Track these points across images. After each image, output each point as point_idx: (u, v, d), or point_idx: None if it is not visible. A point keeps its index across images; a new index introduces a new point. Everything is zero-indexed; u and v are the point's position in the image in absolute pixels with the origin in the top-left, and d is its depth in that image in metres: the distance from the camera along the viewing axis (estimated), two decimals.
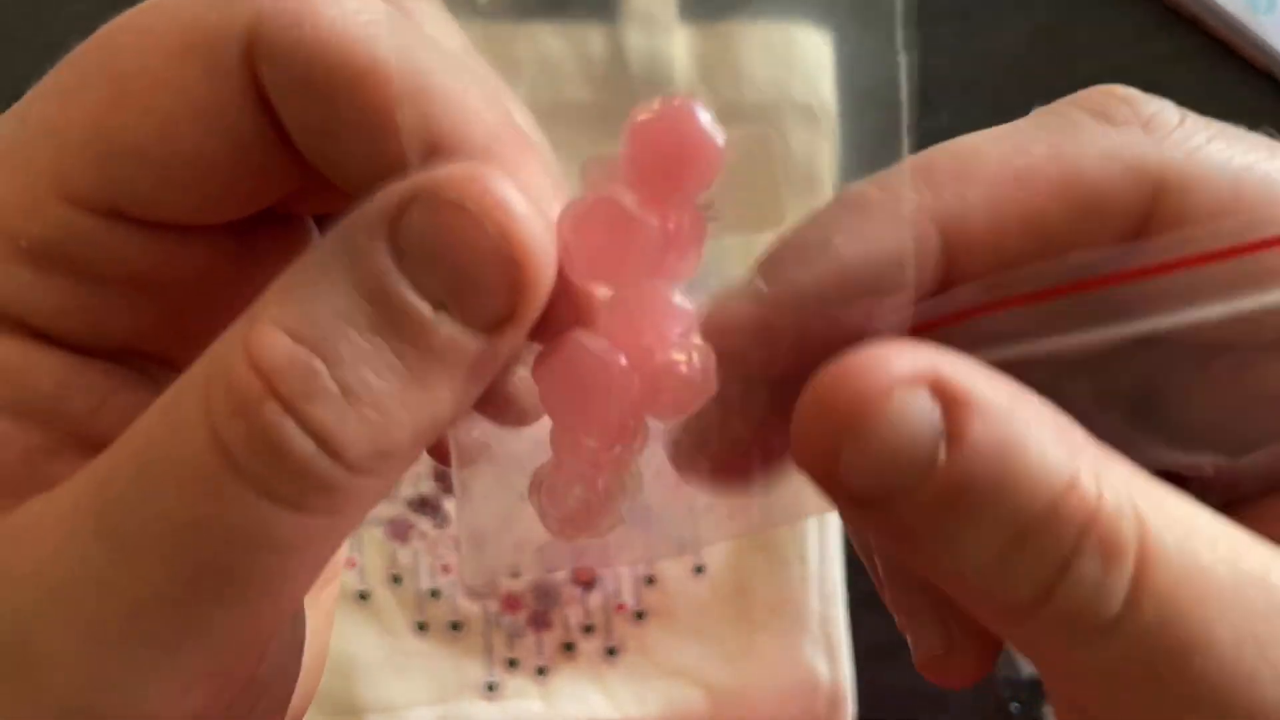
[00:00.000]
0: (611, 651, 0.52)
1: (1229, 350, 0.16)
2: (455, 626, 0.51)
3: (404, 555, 0.51)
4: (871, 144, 0.15)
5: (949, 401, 0.14)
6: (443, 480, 0.51)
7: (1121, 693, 0.14)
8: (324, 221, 0.19)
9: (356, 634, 0.51)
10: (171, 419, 0.14)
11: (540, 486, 0.17)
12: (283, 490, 0.14)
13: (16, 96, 0.17)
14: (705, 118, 0.15)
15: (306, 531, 0.14)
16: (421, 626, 0.51)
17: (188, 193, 0.16)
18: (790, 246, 0.16)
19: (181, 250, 0.17)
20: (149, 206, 0.16)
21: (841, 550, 0.52)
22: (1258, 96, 0.55)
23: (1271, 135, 0.18)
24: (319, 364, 0.14)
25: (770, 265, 0.16)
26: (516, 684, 0.51)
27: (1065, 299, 0.15)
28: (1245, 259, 0.14)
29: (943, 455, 0.13)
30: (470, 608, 0.51)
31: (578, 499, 0.16)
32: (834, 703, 0.51)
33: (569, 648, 0.52)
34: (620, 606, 0.52)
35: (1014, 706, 0.52)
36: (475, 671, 0.51)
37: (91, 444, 0.16)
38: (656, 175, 0.15)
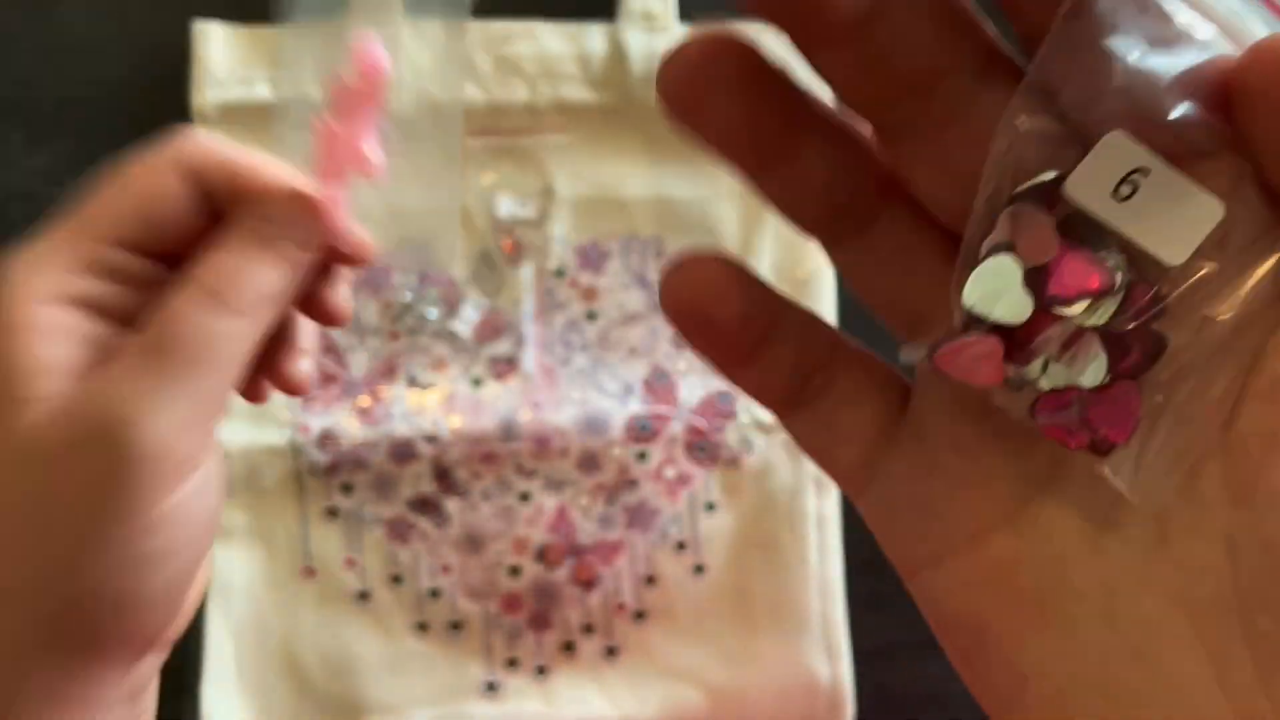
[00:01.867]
0: (611, 652, 0.52)
1: None
2: (455, 627, 0.51)
3: (404, 556, 0.51)
4: None
5: None
6: (443, 480, 0.51)
7: None
8: None
9: (356, 634, 0.51)
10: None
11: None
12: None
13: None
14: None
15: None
16: (421, 627, 0.51)
17: (159, 236, 0.29)
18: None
19: (157, 267, 0.30)
20: (141, 245, 0.29)
21: (841, 550, 0.52)
22: None
23: None
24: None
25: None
26: (516, 684, 0.51)
27: None
28: None
29: None
30: (470, 608, 0.51)
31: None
32: (834, 703, 0.51)
33: (569, 648, 0.52)
34: (620, 607, 0.52)
35: None
36: (475, 672, 0.51)
37: None
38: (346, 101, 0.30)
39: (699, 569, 0.52)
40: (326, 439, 0.51)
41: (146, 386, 0.26)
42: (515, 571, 0.51)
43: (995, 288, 0.18)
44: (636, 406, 0.52)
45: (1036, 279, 0.18)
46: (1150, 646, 0.17)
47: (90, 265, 0.28)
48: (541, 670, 0.51)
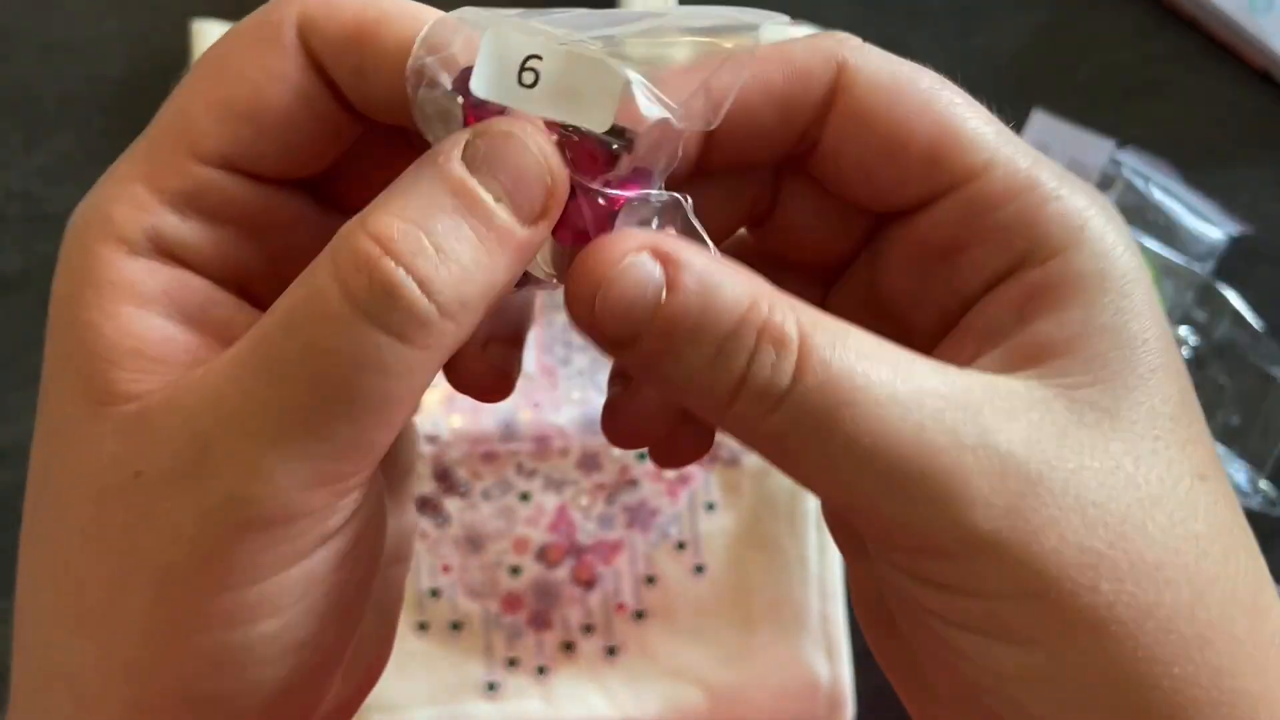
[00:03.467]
0: (611, 651, 0.52)
1: None
2: (455, 626, 0.51)
3: None
4: None
5: (665, 262, 0.20)
6: (443, 480, 0.51)
7: (799, 449, 0.20)
8: None
9: None
10: (308, 285, 0.20)
11: None
12: (394, 324, 0.19)
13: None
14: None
15: (407, 361, 0.20)
16: (422, 626, 0.51)
17: (276, 145, 0.23)
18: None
19: (278, 201, 0.23)
20: (252, 159, 0.23)
21: None
22: (1256, 96, 0.55)
23: None
24: (421, 234, 0.19)
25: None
26: (517, 684, 0.51)
27: None
28: None
29: (664, 298, 0.20)
30: (471, 607, 0.51)
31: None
32: (834, 703, 0.51)
33: (569, 647, 0.52)
34: (620, 606, 0.52)
35: None
36: (475, 671, 0.51)
37: (228, 346, 0.21)
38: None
39: (699, 569, 0.52)
40: None
41: (266, 426, 0.19)
42: (515, 571, 0.51)
43: None
44: None
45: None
46: None
47: (189, 195, 0.22)
48: (542, 670, 0.52)
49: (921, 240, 0.24)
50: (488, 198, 0.20)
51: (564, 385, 0.52)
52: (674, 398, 0.22)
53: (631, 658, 0.52)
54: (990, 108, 0.24)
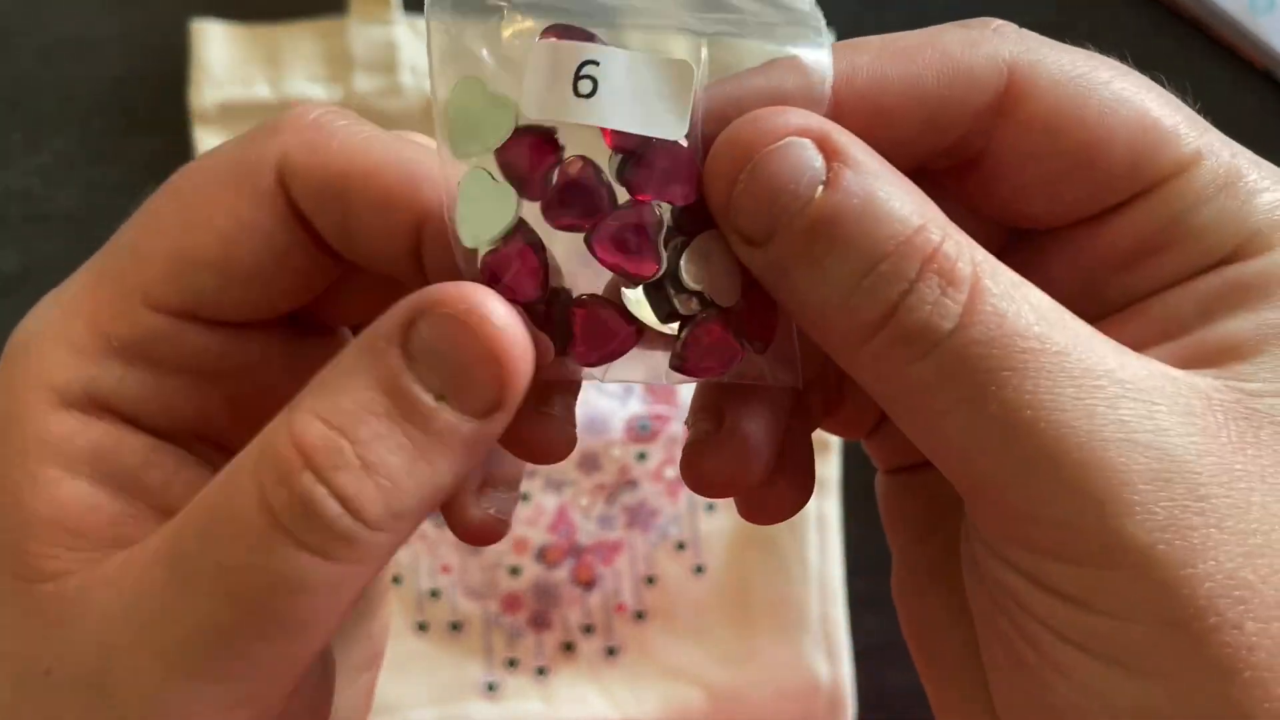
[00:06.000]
0: (611, 652, 0.52)
1: None
2: (455, 627, 0.51)
3: (404, 555, 0.51)
4: None
5: (829, 153, 0.17)
6: None
7: (941, 408, 0.17)
8: (358, 330, 0.23)
9: None
10: (230, 486, 0.18)
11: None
12: (314, 542, 0.17)
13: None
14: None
15: (332, 578, 0.18)
16: (422, 627, 0.51)
17: (244, 293, 0.21)
18: (728, 79, 0.19)
19: (240, 345, 0.21)
20: (215, 308, 0.21)
21: (841, 550, 0.52)
22: (1257, 96, 0.55)
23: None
24: (345, 443, 0.17)
25: (713, 88, 0.19)
26: (516, 684, 0.51)
27: None
28: None
29: (818, 193, 0.17)
30: (470, 608, 0.51)
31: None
32: (834, 703, 0.51)
33: (569, 648, 0.52)
34: (620, 607, 0.52)
35: None
36: (475, 672, 0.51)
37: (163, 512, 0.20)
38: None
39: (699, 569, 0.52)
40: None
41: (175, 646, 0.18)
42: (515, 571, 0.51)
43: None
44: (636, 406, 0.52)
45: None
46: None
47: (136, 344, 0.20)
48: (541, 670, 0.51)
49: (1100, 251, 0.21)
50: (426, 398, 0.18)
51: None
52: (798, 316, 0.19)
53: (631, 658, 0.52)
54: None
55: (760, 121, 0.17)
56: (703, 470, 0.22)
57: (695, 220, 0.19)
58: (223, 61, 0.50)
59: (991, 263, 0.18)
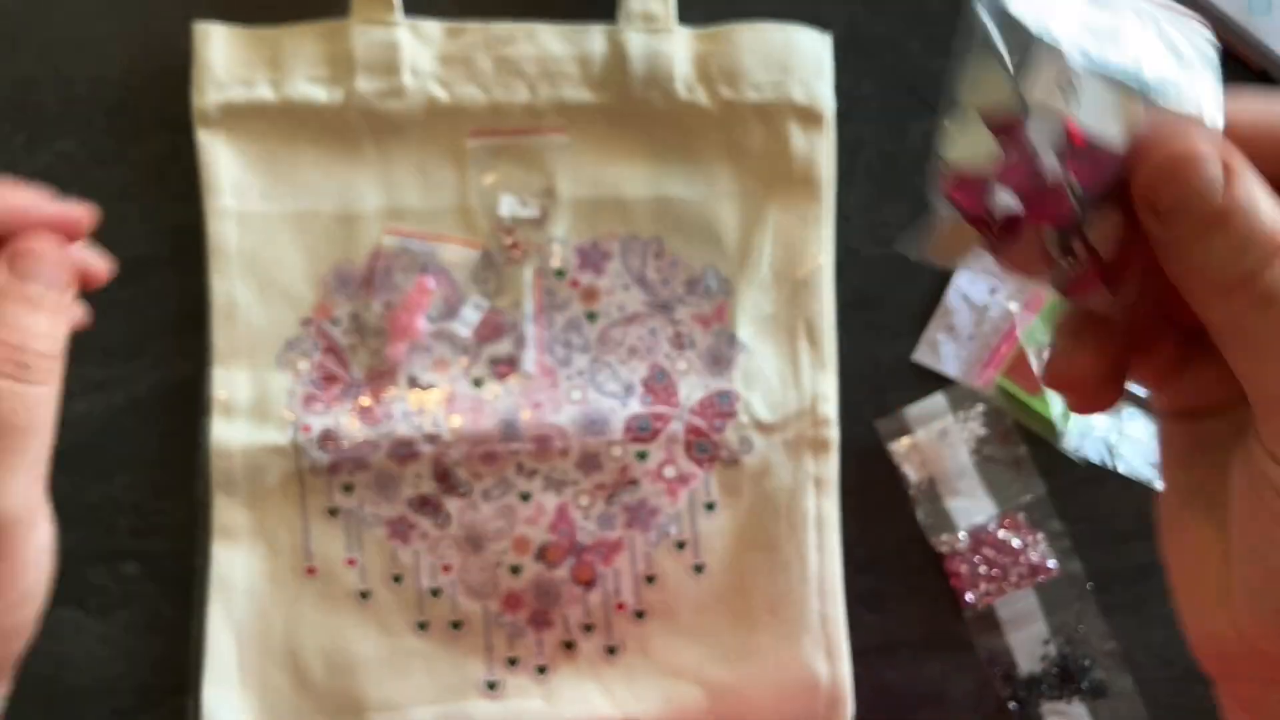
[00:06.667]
0: (612, 650, 0.52)
1: None
2: (456, 626, 0.52)
3: (405, 555, 0.51)
4: None
5: (1228, 171, 0.24)
6: (443, 480, 0.51)
7: (1269, 344, 0.23)
8: None
9: (358, 633, 0.51)
10: None
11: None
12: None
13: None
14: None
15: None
16: (422, 626, 0.51)
17: None
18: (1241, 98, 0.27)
19: None
20: None
21: (840, 550, 0.52)
22: None
23: None
24: None
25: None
26: (517, 683, 0.51)
27: None
28: None
29: (1220, 194, 0.24)
30: (471, 607, 0.51)
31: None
32: (833, 702, 0.51)
33: (569, 646, 0.52)
34: (620, 605, 0.52)
35: (1012, 705, 0.53)
36: (476, 670, 0.51)
37: None
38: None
39: (699, 568, 0.52)
40: (328, 438, 0.51)
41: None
42: (516, 570, 0.52)
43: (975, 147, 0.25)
44: (636, 406, 0.52)
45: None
46: None
47: None
48: (542, 669, 0.52)
49: None
50: None
51: (564, 385, 0.52)
52: (1175, 269, 0.25)
53: (631, 657, 0.52)
54: None
55: (1187, 139, 0.24)
56: (1058, 375, 0.29)
57: (1096, 197, 0.25)
58: (225, 63, 0.50)
59: None
